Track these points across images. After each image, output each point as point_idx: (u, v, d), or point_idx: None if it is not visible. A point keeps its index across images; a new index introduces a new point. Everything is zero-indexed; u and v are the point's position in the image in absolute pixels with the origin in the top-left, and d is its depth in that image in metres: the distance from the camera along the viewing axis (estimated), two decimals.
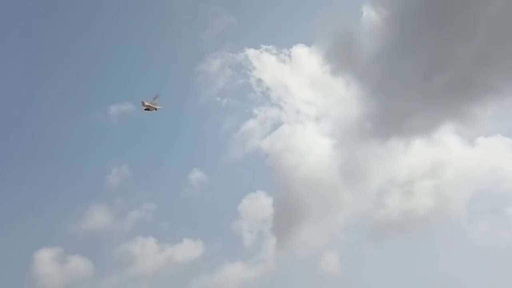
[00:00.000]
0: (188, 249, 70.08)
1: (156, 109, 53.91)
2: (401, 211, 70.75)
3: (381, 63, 70.14)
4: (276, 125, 79.60)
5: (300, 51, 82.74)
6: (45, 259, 66.09)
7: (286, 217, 69.82)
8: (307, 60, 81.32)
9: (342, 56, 73.84)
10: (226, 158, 79.69)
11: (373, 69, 71.17)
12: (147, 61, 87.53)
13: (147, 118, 79.99)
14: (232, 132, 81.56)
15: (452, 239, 69.58)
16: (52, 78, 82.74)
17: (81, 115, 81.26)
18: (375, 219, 71.80)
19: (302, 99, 79.63)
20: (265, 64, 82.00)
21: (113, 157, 78.38)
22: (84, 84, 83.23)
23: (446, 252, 67.82)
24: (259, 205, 73.96)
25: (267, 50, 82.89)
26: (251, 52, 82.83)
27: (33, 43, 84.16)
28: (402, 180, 72.56)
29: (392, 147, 70.65)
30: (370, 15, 72.22)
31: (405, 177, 72.56)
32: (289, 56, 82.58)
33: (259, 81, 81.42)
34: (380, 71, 70.51)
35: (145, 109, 54.10)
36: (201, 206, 76.71)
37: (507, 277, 61.44)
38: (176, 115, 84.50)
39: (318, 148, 76.54)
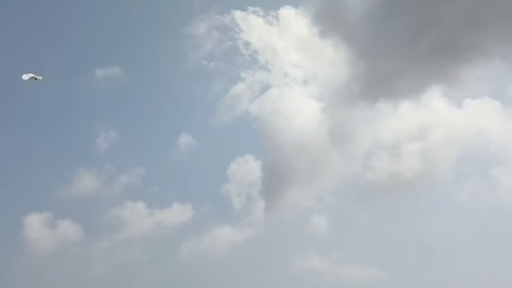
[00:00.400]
0: (177, 213, 70.50)
1: (35, 79, 53.35)
2: (389, 174, 71.48)
3: (369, 24, 69.62)
4: (264, 88, 79.17)
5: (288, 13, 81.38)
6: (34, 224, 66.38)
7: (275, 181, 70.35)
8: (295, 22, 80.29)
9: (330, 18, 73.09)
10: (215, 122, 79.55)
11: (361, 31, 70.70)
12: (133, 24, 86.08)
13: (134, 82, 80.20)
14: (220, 96, 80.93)
15: (438, 200, 70.22)
16: (35, 42, 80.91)
17: (67, 79, 79.51)
18: (363, 181, 72.31)
19: (290, 61, 79.03)
20: (252, 27, 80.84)
21: (101, 122, 77.85)
22: (69, 47, 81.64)
23: (432, 214, 68.62)
24: (247, 168, 74.22)
25: (254, 12, 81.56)
26: (237, 14, 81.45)
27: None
28: (389, 142, 73.13)
29: (380, 110, 70.87)
30: None
31: (393, 140, 73.18)
32: (277, 18, 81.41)
33: (247, 44, 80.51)
34: (368, 33, 70.05)
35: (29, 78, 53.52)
36: (190, 170, 76.90)
37: (491, 237, 62.76)
38: (164, 79, 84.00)
39: (306, 111, 76.55)
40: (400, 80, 67.74)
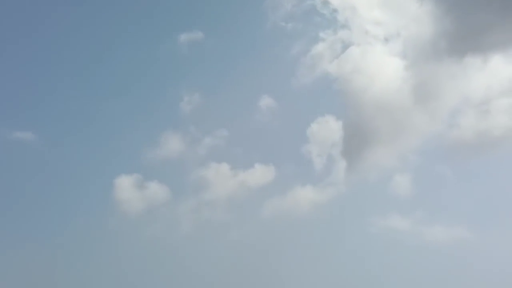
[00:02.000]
0: (260, 174, 71.30)
1: None
2: (476, 132, 68.86)
3: None
4: (345, 47, 76.98)
5: None
6: (125, 185, 69.21)
7: (356, 140, 69.23)
8: None
9: None
10: (295, 83, 78.85)
11: None
12: None
13: (216, 46, 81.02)
14: (300, 57, 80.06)
15: None
16: (118, 9, 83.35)
17: (151, 45, 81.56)
18: (448, 140, 70.68)
19: (371, 19, 76.15)
20: None
21: (184, 85, 79.19)
22: (151, 14, 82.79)
23: None
24: (328, 129, 73.71)
25: None
26: None
27: None
28: (477, 99, 69.93)
29: (468, 65, 67.18)
30: None
31: (481, 96, 69.85)
32: None
33: (325, 2, 78.40)
34: None
35: None
36: (272, 131, 77.42)
37: None
38: (245, 42, 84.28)
39: (389, 70, 74.04)
40: (490, 33, 63.66)
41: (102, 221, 67.19)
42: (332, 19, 78.61)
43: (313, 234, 66.61)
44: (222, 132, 74.98)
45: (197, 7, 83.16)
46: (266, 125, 77.37)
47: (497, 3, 63.33)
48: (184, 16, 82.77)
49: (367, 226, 66.22)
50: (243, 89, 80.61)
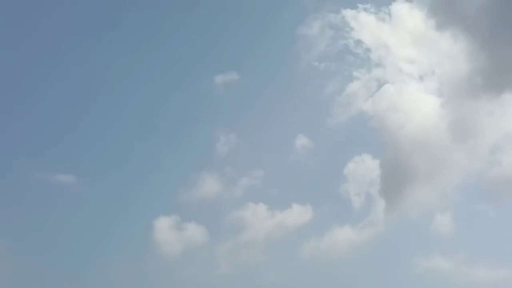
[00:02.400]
0: (297, 214, 70.98)
1: None
2: None
3: (491, 12, 65.39)
4: (379, 86, 77.36)
5: (401, 8, 78.72)
6: (163, 227, 69.76)
7: (394, 179, 68.54)
8: (409, 16, 77.72)
9: (448, 9, 69.46)
10: (330, 122, 79.10)
11: (482, 20, 66.28)
12: (247, 27, 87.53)
13: (251, 86, 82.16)
14: (335, 96, 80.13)
15: None
16: (154, 52, 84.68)
17: (188, 87, 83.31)
18: (489, 177, 69.43)
19: (405, 57, 76.56)
20: (364, 24, 79.25)
21: (220, 126, 79.87)
22: (187, 56, 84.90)
23: None
24: (365, 167, 73.36)
25: (365, 10, 79.52)
26: (347, 12, 79.89)
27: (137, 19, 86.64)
28: None
29: (506, 101, 66.30)
30: None
31: None
32: (389, 14, 78.90)
33: (358, 42, 79.04)
34: (491, 21, 65.65)
35: None
36: (308, 171, 76.93)
37: None
38: (279, 82, 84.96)
39: (425, 107, 73.86)
40: None
41: (143, 262, 67.54)
42: (366, 58, 79.42)
43: (353, 275, 65.57)
44: (259, 172, 75.20)
45: (232, 49, 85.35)
46: (302, 164, 77.20)
47: None
48: (219, 57, 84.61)
49: (410, 267, 65.35)
50: (278, 129, 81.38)
